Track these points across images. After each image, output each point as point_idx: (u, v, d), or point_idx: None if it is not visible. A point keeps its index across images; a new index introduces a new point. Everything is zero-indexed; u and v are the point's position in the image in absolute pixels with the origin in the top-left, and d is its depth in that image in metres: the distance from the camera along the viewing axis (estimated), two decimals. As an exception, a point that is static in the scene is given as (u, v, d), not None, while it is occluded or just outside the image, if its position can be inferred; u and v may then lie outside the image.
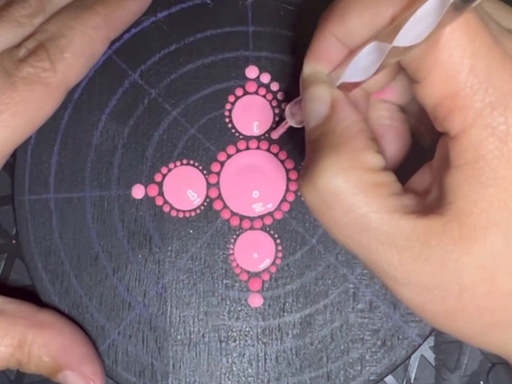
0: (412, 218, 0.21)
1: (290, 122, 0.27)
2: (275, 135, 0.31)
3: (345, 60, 0.23)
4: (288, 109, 0.27)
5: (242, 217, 0.31)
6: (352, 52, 0.23)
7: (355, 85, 0.23)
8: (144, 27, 0.31)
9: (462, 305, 0.21)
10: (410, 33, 0.20)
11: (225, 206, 0.31)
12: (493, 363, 0.31)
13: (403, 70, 0.22)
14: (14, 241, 0.32)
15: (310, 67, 0.24)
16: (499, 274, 0.21)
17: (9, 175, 0.31)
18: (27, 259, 0.31)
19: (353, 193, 0.21)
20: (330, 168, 0.21)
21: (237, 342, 0.30)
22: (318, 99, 0.23)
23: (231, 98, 0.31)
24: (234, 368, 0.30)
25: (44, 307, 0.29)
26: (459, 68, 0.20)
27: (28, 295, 0.30)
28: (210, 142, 0.31)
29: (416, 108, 0.26)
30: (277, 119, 0.31)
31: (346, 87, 0.23)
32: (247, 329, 0.30)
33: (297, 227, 0.31)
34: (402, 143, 0.26)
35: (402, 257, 0.21)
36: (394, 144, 0.25)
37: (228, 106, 0.31)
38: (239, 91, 0.31)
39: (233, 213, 0.31)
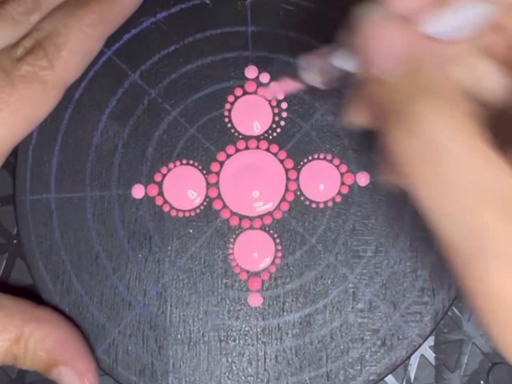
0: None
1: (314, 81, 0.22)
2: (271, 93, 0.29)
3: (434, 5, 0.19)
4: (314, 65, 0.22)
5: (241, 217, 0.31)
6: None
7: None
8: (144, 28, 0.31)
9: None
10: None
11: (225, 205, 0.31)
12: (493, 362, 0.31)
13: None
14: (15, 241, 0.32)
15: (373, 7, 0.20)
16: None
17: (11, 175, 0.32)
18: (28, 258, 0.31)
19: (470, 145, 0.18)
20: (437, 115, 0.18)
21: (237, 341, 0.30)
22: (395, 39, 0.19)
23: (231, 98, 0.31)
24: (234, 368, 0.30)
25: (41, 304, 0.30)
26: None
27: (29, 294, 0.30)
28: (210, 142, 0.31)
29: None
30: (277, 118, 0.31)
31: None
32: (246, 329, 0.30)
33: (296, 226, 0.31)
34: None
35: None
36: None
37: (227, 106, 0.31)
38: (238, 91, 0.31)
39: (233, 213, 0.31)
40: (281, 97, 0.31)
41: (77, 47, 0.28)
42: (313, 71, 0.22)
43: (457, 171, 0.18)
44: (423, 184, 0.19)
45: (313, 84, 0.23)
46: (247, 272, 0.31)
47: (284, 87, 0.27)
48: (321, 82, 0.22)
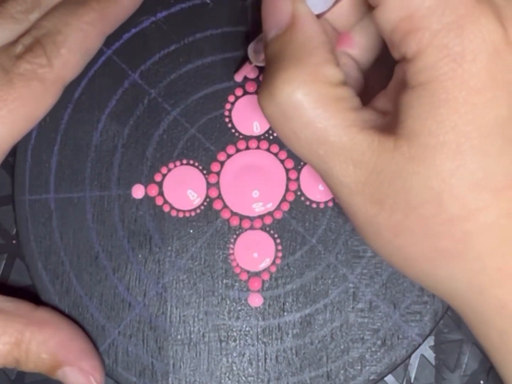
0: (368, 134, 0.21)
1: (253, 60, 0.27)
2: (238, 77, 0.31)
3: None
4: (251, 47, 0.27)
5: (242, 217, 0.31)
6: None
7: (318, 16, 0.23)
8: (144, 27, 0.31)
9: (408, 223, 0.21)
10: None
11: (225, 206, 0.31)
12: (493, 362, 0.31)
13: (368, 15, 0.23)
14: (14, 241, 0.32)
15: None
16: (447, 198, 0.20)
17: (9, 175, 0.31)
18: (27, 259, 0.31)
19: (314, 106, 0.21)
20: (292, 81, 0.21)
21: (237, 341, 0.30)
22: (280, 8, 0.23)
23: (231, 98, 0.31)
24: (234, 368, 0.30)
25: (41, 305, 0.30)
26: None
27: (28, 295, 0.30)
28: (210, 142, 0.31)
29: (372, 71, 0.26)
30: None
31: None
32: (247, 329, 0.30)
33: (297, 226, 0.31)
34: None
35: (356, 169, 0.21)
36: None
37: (228, 106, 0.31)
38: (238, 91, 0.31)
39: (233, 213, 0.31)
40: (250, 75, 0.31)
41: (76, 45, 0.28)
42: (251, 52, 0.27)
43: (305, 131, 0.22)
44: (287, 142, 0.23)
45: (256, 63, 0.27)
46: (248, 272, 0.31)
47: (245, 70, 0.30)
48: (257, 61, 0.27)
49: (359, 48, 0.25)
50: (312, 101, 0.21)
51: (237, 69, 0.31)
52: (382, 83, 0.24)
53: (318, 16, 0.23)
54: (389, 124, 0.21)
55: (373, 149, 0.21)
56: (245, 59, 0.30)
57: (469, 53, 0.20)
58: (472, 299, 0.22)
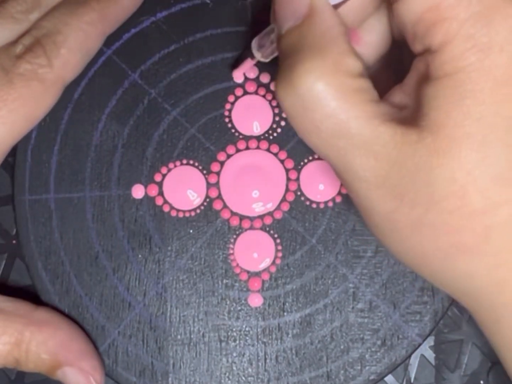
0: (390, 126, 0.21)
1: (258, 55, 0.26)
2: (238, 73, 0.31)
3: None
4: (256, 41, 0.26)
5: (242, 217, 0.31)
6: None
7: (335, 6, 0.23)
8: (144, 27, 0.31)
9: (429, 218, 0.21)
10: None
11: (225, 206, 0.31)
12: (493, 362, 0.31)
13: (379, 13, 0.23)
14: (14, 241, 0.32)
15: None
16: (471, 191, 0.20)
17: (9, 175, 0.31)
18: (27, 259, 0.31)
19: (336, 97, 0.21)
20: (314, 72, 0.21)
21: (237, 342, 0.30)
22: None
23: (231, 98, 0.31)
24: (234, 368, 0.30)
25: (41, 305, 0.30)
26: None
27: (28, 295, 0.30)
28: (210, 142, 0.31)
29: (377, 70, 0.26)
30: (277, 119, 0.31)
31: None
32: (247, 329, 0.30)
33: (297, 226, 0.31)
34: None
35: (377, 162, 0.21)
36: None
37: (228, 106, 0.31)
38: (238, 91, 0.31)
39: (233, 213, 0.31)
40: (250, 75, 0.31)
41: (76, 45, 0.28)
42: (255, 47, 0.26)
43: (327, 122, 0.21)
44: (306, 134, 0.22)
45: (259, 58, 0.27)
46: (248, 272, 0.31)
47: (246, 65, 0.29)
48: (262, 56, 0.26)
49: (366, 45, 0.25)
50: (333, 92, 0.21)
51: (235, 65, 0.31)
52: (385, 82, 0.24)
53: (335, 7, 0.22)
54: (409, 117, 0.21)
55: (395, 141, 0.21)
56: (244, 56, 0.29)
57: (496, 44, 0.20)
58: (489, 295, 0.21)
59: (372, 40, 0.25)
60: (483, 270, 0.21)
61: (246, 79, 0.31)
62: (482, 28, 0.20)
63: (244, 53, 0.30)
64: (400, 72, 0.23)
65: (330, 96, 0.21)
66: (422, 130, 0.20)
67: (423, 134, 0.20)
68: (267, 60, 0.26)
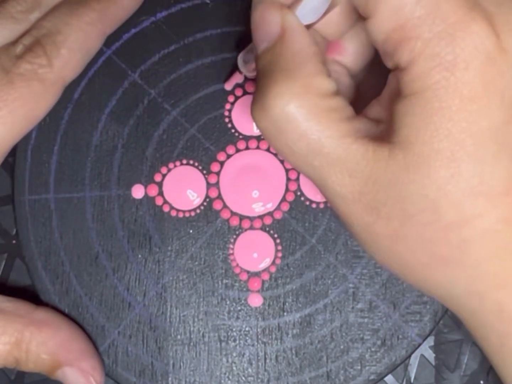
0: (363, 143, 0.21)
1: (243, 70, 0.27)
2: (228, 86, 0.31)
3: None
4: (241, 57, 0.27)
5: (242, 217, 0.31)
6: None
7: (307, 26, 0.23)
8: (144, 27, 0.31)
9: (405, 231, 0.21)
10: None
11: (225, 206, 0.31)
12: (493, 362, 0.31)
13: (359, 23, 0.23)
14: (14, 241, 0.32)
15: None
16: (444, 205, 0.20)
17: (9, 175, 0.31)
18: (27, 259, 0.31)
19: (307, 118, 0.21)
20: (284, 94, 0.21)
21: (237, 342, 0.30)
22: (269, 20, 0.23)
23: (231, 98, 0.31)
24: (234, 368, 0.30)
25: (41, 305, 0.30)
26: None
27: (28, 295, 0.30)
28: (210, 142, 0.31)
29: (364, 77, 0.26)
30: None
31: None
32: (247, 329, 0.30)
33: (296, 227, 0.31)
34: None
35: (352, 178, 0.21)
36: None
37: (227, 106, 0.31)
38: (238, 91, 0.31)
39: (233, 213, 0.31)
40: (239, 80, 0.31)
41: (76, 45, 0.28)
42: (241, 63, 0.27)
43: (299, 143, 0.22)
44: (282, 154, 0.23)
45: (245, 73, 0.27)
46: (247, 272, 0.31)
47: (235, 78, 0.30)
48: (247, 71, 0.27)
49: (350, 55, 0.25)
50: (305, 113, 0.21)
51: (227, 78, 0.31)
52: (375, 88, 0.24)
53: (308, 26, 0.23)
54: (384, 133, 0.22)
55: (368, 158, 0.21)
56: (235, 68, 0.30)
57: (461, 61, 0.20)
58: (471, 303, 0.22)
59: (356, 49, 0.25)
60: (462, 281, 0.21)
61: (246, 79, 0.31)
62: (447, 46, 0.20)
63: (234, 66, 0.30)
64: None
65: (301, 118, 0.21)
66: (394, 147, 0.21)
67: (395, 151, 0.21)
68: (252, 75, 0.27)
